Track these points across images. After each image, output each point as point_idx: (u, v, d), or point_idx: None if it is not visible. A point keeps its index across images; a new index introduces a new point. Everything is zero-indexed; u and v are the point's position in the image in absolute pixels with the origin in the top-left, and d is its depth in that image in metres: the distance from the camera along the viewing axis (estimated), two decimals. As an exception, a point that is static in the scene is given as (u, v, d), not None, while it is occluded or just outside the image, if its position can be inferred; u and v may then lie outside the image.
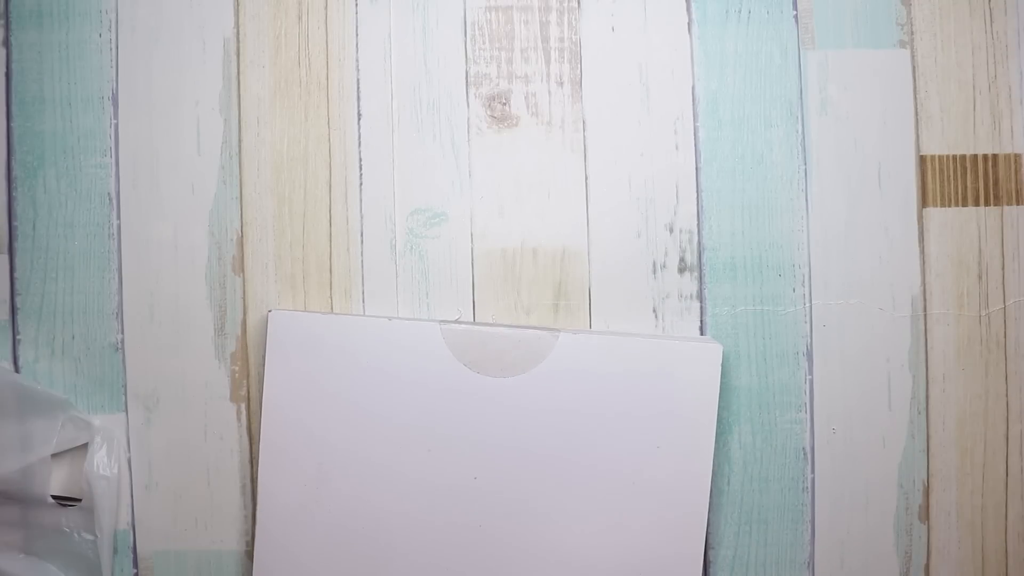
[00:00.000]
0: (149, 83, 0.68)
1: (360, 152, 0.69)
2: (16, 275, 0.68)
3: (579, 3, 0.69)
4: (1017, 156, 0.69)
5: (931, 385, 0.69)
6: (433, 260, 0.68)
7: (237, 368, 0.68)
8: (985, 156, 0.69)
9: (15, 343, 0.68)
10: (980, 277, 0.69)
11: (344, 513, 0.66)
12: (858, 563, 0.69)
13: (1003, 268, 0.69)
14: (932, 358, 0.69)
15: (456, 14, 0.69)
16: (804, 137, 0.69)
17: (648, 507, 0.65)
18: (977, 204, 0.69)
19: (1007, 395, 0.69)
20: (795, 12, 0.69)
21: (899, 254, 0.69)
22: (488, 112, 0.69)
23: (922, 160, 0.69)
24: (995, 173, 0.69)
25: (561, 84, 0.69)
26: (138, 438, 0.68)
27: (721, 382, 0.67)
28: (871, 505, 0.69)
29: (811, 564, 0.69)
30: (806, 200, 0.69)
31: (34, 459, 0.64)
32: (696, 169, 0.69)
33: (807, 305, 0.69)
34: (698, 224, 0.69)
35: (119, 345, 0.68)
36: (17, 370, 0.67)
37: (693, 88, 0.69)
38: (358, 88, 0.69)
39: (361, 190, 0.68)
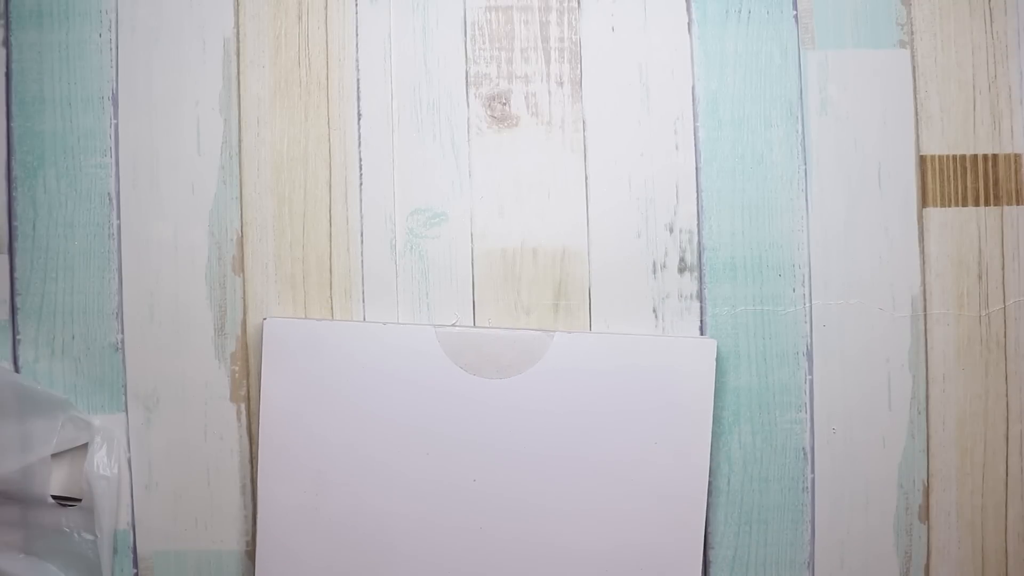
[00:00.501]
0: (149, 83, 0.68)
1: (360, 152, 0.69)
2: (16, 275, 0.68)
3: (579, 3, 0.69)
4: (1017, 156, 0.69)
5: (931, 385, 0.69)
6: (433, 260, 0.68)
7: (237, 368, 0.68)
8: (985, 156, 0.69)
9: (15, 343, 0.68)
10: (980, 277, 0.69)
11: (344, 516, 0.66)
12: (858, 563, 0.69)
13: (1003, 268, 0.69)
14: (932, 358, 0.69)
15: (456, 14, 0.69)
16: (804, 137, 0.69)
17: (647, 504, 0.65)
18: (977, 204, 0.69)
19: (1007, 395, 0.69)
20: (795, 12, 0.69)
21: (899, 254, 0.69)
22: (488, 112, 0.69)
23: (922, 160, 0.69)
24: (995, 173, 0.69)
25: (561, 84, 0.69)
26: (138, 438, 0.68)
27: (721, 382, 0.67)
28: (871, 505, 0.69)
29: (811, 564, 0.69)
30: (806, 200, 0.69)
31: (34, 459, 0.64)
32: (696, 169, 0.69)
33: (807, 305, 0.69)
34: (698, 224, 0.69)
35: (119, 345, 0.68)
36: (17, 370, 0.67)
37: (693, 88, 0.69)
38: (358, 88, 0.69)
39: (361, 190, 0.68)
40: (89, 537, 0.65)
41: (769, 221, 0.69)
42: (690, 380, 0.65)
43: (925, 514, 0.69)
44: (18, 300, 0.68)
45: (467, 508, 0.65)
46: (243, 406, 0.68)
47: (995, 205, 0.69)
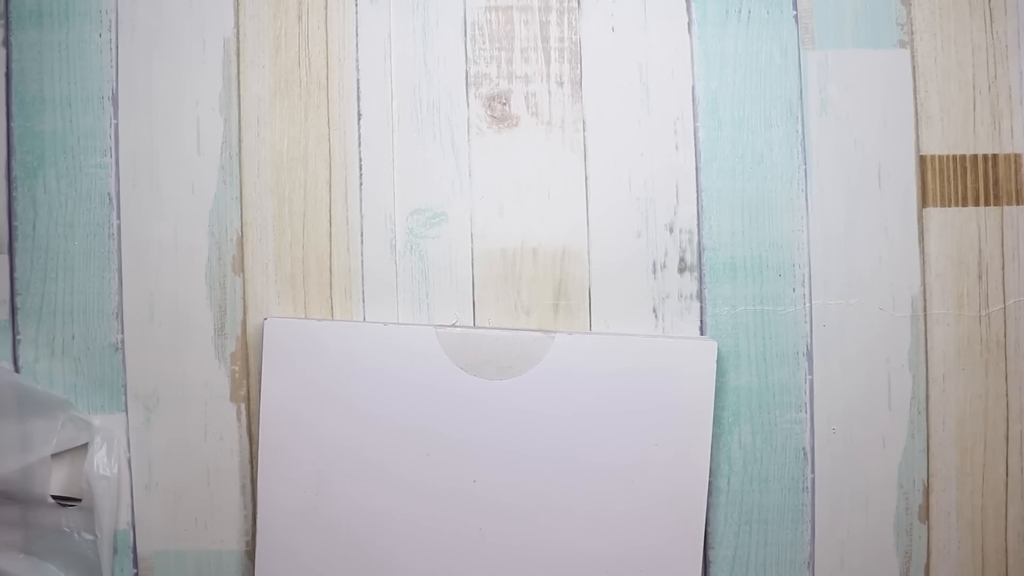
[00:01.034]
0: (149, 83, 0.68)
1: (360, 152, 0.69)
2: (16, 275, 0.68)
3: (579, 3, 0.69)
4: (1017, 156, 0.69)
5: (931, 385, 0.69)
6: (433, 260, 0.68)
7: (237, 368, 0.68)
8: (985, 156, 0.69)
9: (15, 343, 0.68)
10: (980, 277, 0.69)
11: (344, 517, 0.66)
12: (858, 563, 0.69)
13: (1003, 268, 0.69)
14: (932, 358, 0.69)
15: (456, 14, 0.69)
16: (804, 137, 0.69)
17: (647, 505, 0.65)
18: (977, 204, 0.69)
19: (1007, 395, 0.69)
20: (795, 12, 0.69)
21: (899, 254, 0.69)
22: (488, 112, 0.69)
23: (922, 160, 0.69)
24: (995, 173, 0.69)
25: (561, 84, 0.69)
26: (138, 438, 0.68)
27: (721, 382, 0.67)
28: (871, 505, 0.69)
29: (811, 564, 0.69)
30: (806, 200, 0.69)
31: (34, 459, 0.64)
32: (696, 169, 0.69)
33: (807, 305, 0.69)
34: (698, 224, 0.69)
35: (119, 345, 0.68)
36: (17, 370, 0.67)
37: (693, 88, 0.69)
38: (358, 88, 0.69)
39: (361, 190, 0.68)
40: (89, 537, 0.65)
41: (769, 221, 0.69)
42: (690, 381, 0.65)
43: (925, 514, 0.69)
44: (18, 300, 0.68)
45: (467, 509, 0.65)
46: (243, 406, 0.68)
47: (995, 205, 0.69)
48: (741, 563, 0.69)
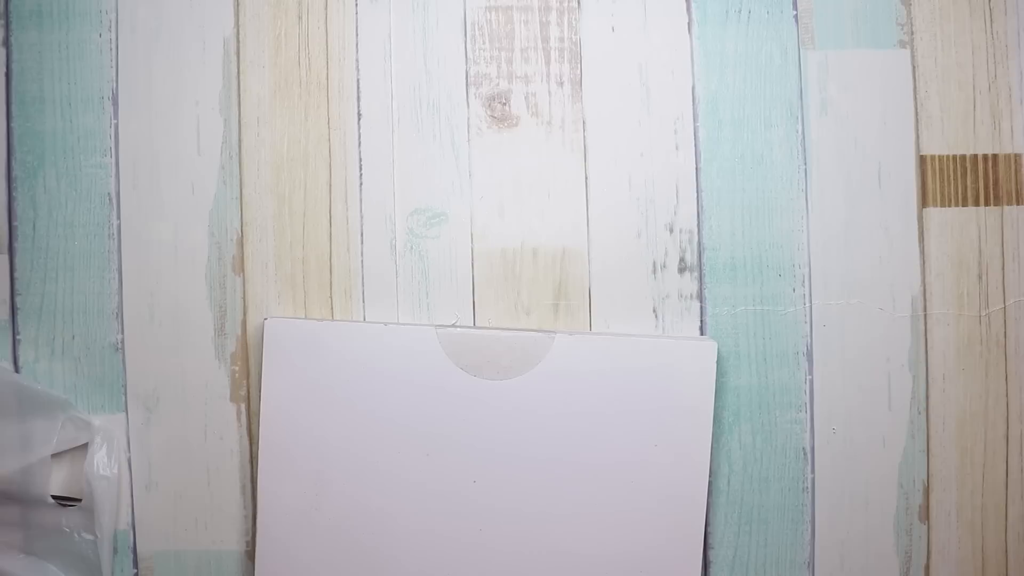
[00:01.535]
0: (149, 83, 0.68)
1: (360, 152, 0.69)
2: (16, 275, 0.68)
3: (579, 3, 0.69)
4: (1017, 156, 0.69)
5: (931, 385, 0.69)
6: (433, 260, 0.68)
7: (237, 368, 0.68)
8: (985, 156, 0.69)
9: (15, 343, 0.68)
10: (980, 277, 0.69)
11: (344, 518, 0.66)
12: (858, 563, 0.69)
13: (1003, 268, 0.69)
14: (932, 358, 0.69)
15: (456, 14, 0.69)
16: (804, 137, 0.69)
17: (647, 506, 0.65)
18: (977, 204, 0.69)
19: (1007, 395, 0.69)
20: (795, 12, 0.69)
21: (899, 254, 0.69)
22: (488, 112, 0.69)
23: (922, 160, 0.69)
24: (995, 173, 0.69)
25: (561, 84, 0.69)
26: (138, 438, 0.68)
27: (721, 382, 0.67)
28: (871, 505, 0.69)
29: (811, 564, 0.69)
30: (806, 200, 0.69)
31: (34, 459, 0.64)
32: (696, 169, 0.69)
33: (807, 305, 0.69)
34: (698, 224, 0.69)
35: (119, 345, 0.68)
36: (17, 370, 0.67)
37: (693, 88, 0.69)
38: (358, 88, 0.69)
39: (361, 190, 0.68)
40: (89, 537, 0.65)
41: (769, 221, 0.69)
42: (690, 382, 0.65)
43: (925, 514, 0.69)
44: (18, 300, 0.68)
45: (467, 510, 0.65)
46: (243, 406, 0.68)
47: (995, 205, 0.69)
48: (741, 563, 0.69)
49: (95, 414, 0.68)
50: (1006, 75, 0.69)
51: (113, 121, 0.68)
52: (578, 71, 0.69)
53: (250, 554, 0.68)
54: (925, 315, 0.69)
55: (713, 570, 0.68)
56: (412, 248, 0.68)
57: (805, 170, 0.69)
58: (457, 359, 0.65)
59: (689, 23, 0.69)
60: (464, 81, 0.69)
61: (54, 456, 0.65)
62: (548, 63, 0.69)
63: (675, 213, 0.69)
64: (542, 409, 0.65)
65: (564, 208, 0.69)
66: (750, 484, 0.68)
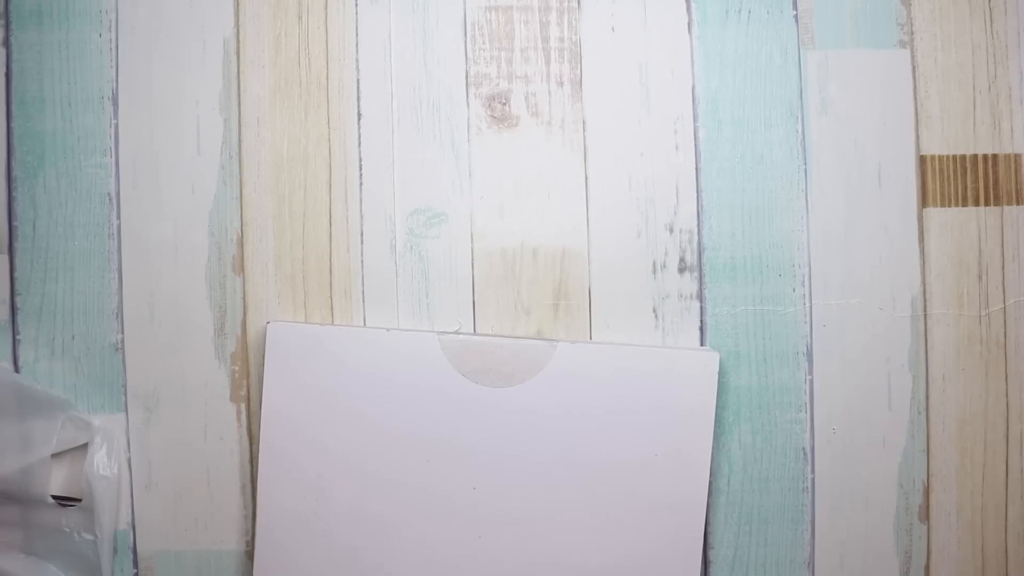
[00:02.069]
0: (149, 83, 0.68)
1: (360, 152, 0.69)
2: (16, 275, 0.68)
3: (579, 3, 0.69)
4: (1017, 156, 0.69)
5: (931, 385, 0.69)
6: (433, 260, 0.68)
7: (237, 368, 0.68)
8: (985, 156, 0.69)
9: (15, 343, 0.68)
10: (980, 277, 0.69)
11: (344, 522, 0.66)
12: (858, 563, 0.69)
13: (1003, 268, 0.69)
14: (932, 358, 0.69)
15: (456, 14, 0.69)
16: (804, 137, 0.69)
17: (646, 515, 0.65)
18: (977, 204, 0.69)
19: (1007, 395, 0.69)
20: (795, 12, 0.69)
21: (899, 254, 0.69)
22: (488, 112, 0.69)
23: (922, 160, 0.69)
24: (995, 173, 0.69)
25: (561, 84, 0.69)
26: (138, 438, 0.68)
27: (721, 382, 0.67)
28: (871, 505, 0.69)
29: (811, 564, 0.69)
30: (806, 200, 0.69)
31: (34, 459, 0.64)
32: (696, 169, 0.69)
33: (807, 305, 0.69)
34: (698, 224, 0.69)
35: (119, 345, 0.68)
36: (17, 370, 0.67)
37: (693, 88, 0.69)
38: (358, 88, 0.69)
39: (361, 190, 0.68)
40: (89, 537, 0.65)
41: (769, 221, 0.69)
42: (692, 391, 0.65)
43: (925, 514, 0.69)
44: (18, 300, 0.68)
45: (467, 516, 0.65)
46: (243, 406, 0.68)
47: (995, 205, 0.69)
48: (741, 563, 0.69)
49: (95, 414, 0.68)
50: (1006, 75, 0.69)
51: (113, 121, 0.68)
52: (578, 71, 0.69)
53: (250, 554, 0.68)
54: (925, 315, 0.69)
55: (713, 570, 0.68)
56: (412, 248, 0.68)
57: (805, 170, 0.69)
58: (459, 366, 0.65)
59: (689, 23, 0.69)
60: (464, 81, 0.69)
61: (54, 456, 0.65)
62: (548, 63, 0.69)
63: (675, 213, 0.69)
64: (543, 416, 0.65)
65: (564, 208, 0.69)
66: (750, 484, 0.68)
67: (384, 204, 0.68)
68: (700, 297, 0.68)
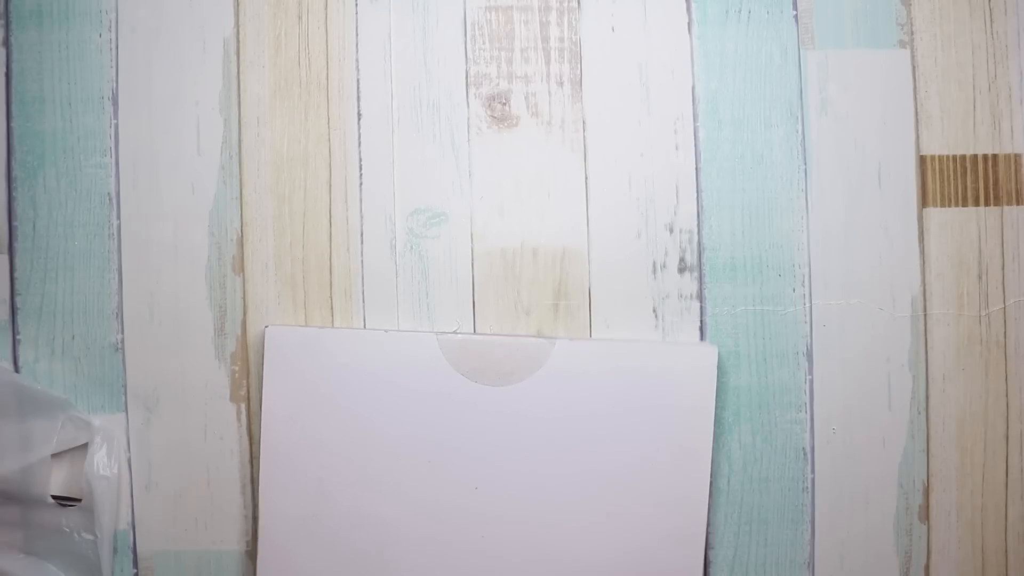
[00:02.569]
0: (149, 83, 0.68)
1: (360, 152, 0.69)
2: (16, 275, 0.68)
3: (579, 3, 0.69)
4: (1017, 156, 0.69)
5: (931, 385, 0.69)
6: (433, 260, 0.68)
7: (237, 368, 0.68)
8: (985, 156, 0.69)
9: (15, 343, 0.68)
10: (980, 277, 0.69)
11: (345, 524, 0.65)
12: (858, 563, 0.69)
13: (1003, 268, 0.69)
14: (932, 358, 0.69)
15: (456, 14, 0.69)
16: (804, 137, 0.69)
17: (648, 511, 0.65)
18: (977, 204, 0.69)
19: (1007, 395, 0.69)
20: (795, 12, 0.69)
21: (899, 254, 0.69)
22: (488, 112, 0.69)
23: (922, 160, 0.69)
24: (995, 173, 0.69)
25: (561, 84, 0.69)
26: (138, 438, 0.68)
27: (721, 382, 0.67)
28: (871, 505, 0.69)
29: (811, 564, 0.69)
30: (806, 200, 0.69)
31: (34, 459, 0.64)
32: (696, 169, 0.69)
33: (807, 305, 0.69)
34: (698, 224, 0.69)
35: (119, 345, 0.68)
36: (17, 370, 0.67)
37: (693, 88, 0.69)
38: (358, 88, 0.69)
39: (361, 190, 0.68)
40: (89, 537, 0.65)
41: (769, 221, 0.69)
42: (691, 387, 0.65)
43: (925, 514, 0.69)
44: (18, 300, 0.68)
45: (468, 516, 0.65)
46: (243, 406, 0.68)
47: (995, 205, 0.69)
48: (741, 563, 0.69)
49: (95, 414, 0.68)
50: (1006, 75, 0.69)
51: (113, 121, 0.68)
52: (578, 71, 0.69)
53: (250, 554, 0.68)
54: (925, 315, 0.69)
55: (713, 570, 0.68)
56: (412, 248, 0.68)
57: (805, 170, 0.69)
58: (458, 365, 0.65)
59: (689, 23, 0.69)
60: (464, 81, 0.69)
61: (54, 456, 0.65)
62: (548, 63, 0.69)
63: (675, 213, 0.69)
64: (543, 414, 0.65)
65: (564, 208, 0.69)
66: (750, 484, 0.68)
67: (384, 204, 0.68)
68: (700, 297, 0.68)
